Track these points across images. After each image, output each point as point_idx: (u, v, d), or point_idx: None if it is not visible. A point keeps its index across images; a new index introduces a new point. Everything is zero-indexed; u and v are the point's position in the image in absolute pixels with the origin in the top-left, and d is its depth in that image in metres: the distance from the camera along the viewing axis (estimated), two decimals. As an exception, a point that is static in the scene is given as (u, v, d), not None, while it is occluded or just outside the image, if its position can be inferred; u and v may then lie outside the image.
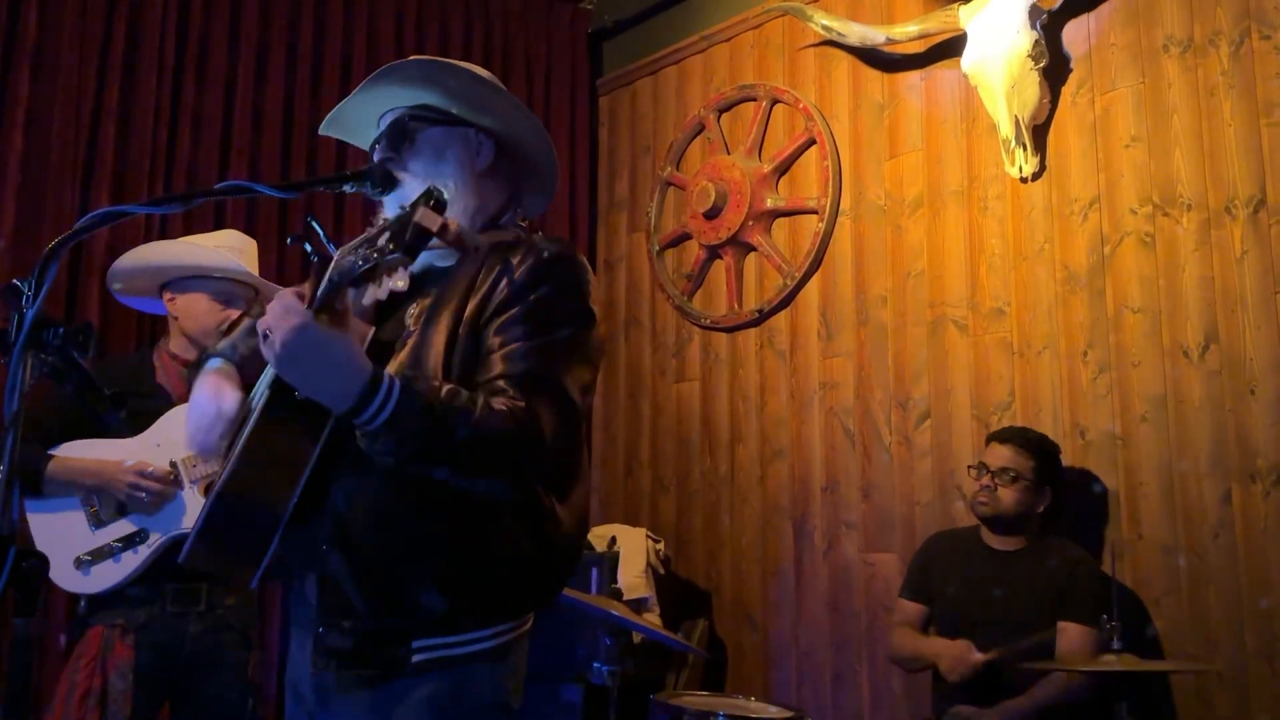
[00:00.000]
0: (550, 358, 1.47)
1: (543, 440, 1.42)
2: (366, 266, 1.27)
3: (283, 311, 1.34)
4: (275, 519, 1.44)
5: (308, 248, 1.32)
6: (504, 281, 1.50)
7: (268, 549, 1.47)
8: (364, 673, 1.48)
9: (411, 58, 1.68)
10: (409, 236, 1.25)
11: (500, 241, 1.56)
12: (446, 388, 1.41)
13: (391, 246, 1.25)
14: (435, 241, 1.28)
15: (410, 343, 1.52)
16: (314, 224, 1.33)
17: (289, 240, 1.36)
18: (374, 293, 1.29)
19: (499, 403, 1.41)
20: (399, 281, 1.26)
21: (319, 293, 1.33)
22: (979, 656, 2.71)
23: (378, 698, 1.48)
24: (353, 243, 1.31)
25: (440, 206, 1.27)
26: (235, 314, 2.60)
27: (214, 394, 1.61)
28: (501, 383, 1.44)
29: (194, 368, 1.75)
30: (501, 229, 1.63)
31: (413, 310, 1.55)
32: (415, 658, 1.47)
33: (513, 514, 1.48)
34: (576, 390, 1.49)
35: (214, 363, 1.69)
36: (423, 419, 1.36)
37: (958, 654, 2.75)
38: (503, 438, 1.40)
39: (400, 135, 1.62)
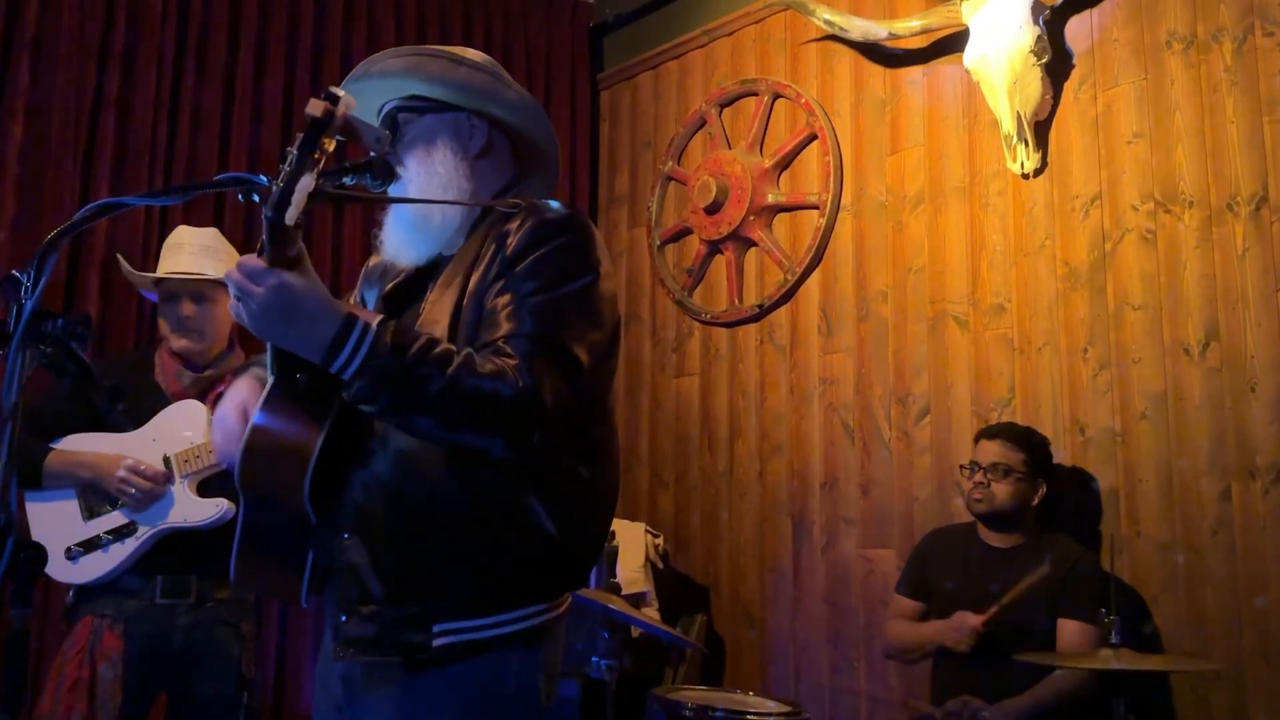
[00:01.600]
0: (552, 316, 1.44)
1: (539, 401, 1.38)
2: (283, 186, 1.25)
3: (244, 273, 1.32)
4: (301, 517, 1.42)
5: (256, 198, 1.31)
6: (504, 246, 1.48)
7: (304, 553, 1.44)
8: (386, 659, 1.46)
9: (395, 49, 1.66)
10: (303, 133, 1.25)
11: (501, 212, 1.54)
12: (425, 338, 1.39)
13: (294, 151, 1.25)
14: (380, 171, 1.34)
15: (419, 323, 1.51)
16: (257, 178, 1.32)
17: (240, 197, 1.35)
18: (295, 211, 1.27)
19: (491, 360, 1.39)
20: (308, 185, 1.26)
21: (264, 240, 1.31)
22: (977, 618, 2.71)
23: (404, 692, 1.46)
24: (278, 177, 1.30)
25: (331, 98, 1.26)
26: (182, 311, 2.60)
27: (238, 407, 1.57)
28: (500, 342, 1.41)
29: (238, 372, 1.72)
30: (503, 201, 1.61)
31: (426, 299, 1.55)
32: (437, 641, 1.44)
33: (532, 488, 1.45)
34: (583, 349, 1.45)
35: (252, 370, 1.67)
36: (395, 365, 1.34)
37: (957, 623, 2.75)
38: (483, 394, 1.36)
39: (392, 129, 1.61)
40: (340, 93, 1.27)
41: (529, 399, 1.38)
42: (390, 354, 1.34)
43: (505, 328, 1.43)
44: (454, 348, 1.41)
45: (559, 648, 1.55)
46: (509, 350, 1.40)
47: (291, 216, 1.27)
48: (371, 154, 1.60)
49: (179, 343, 2.62)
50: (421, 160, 1.58)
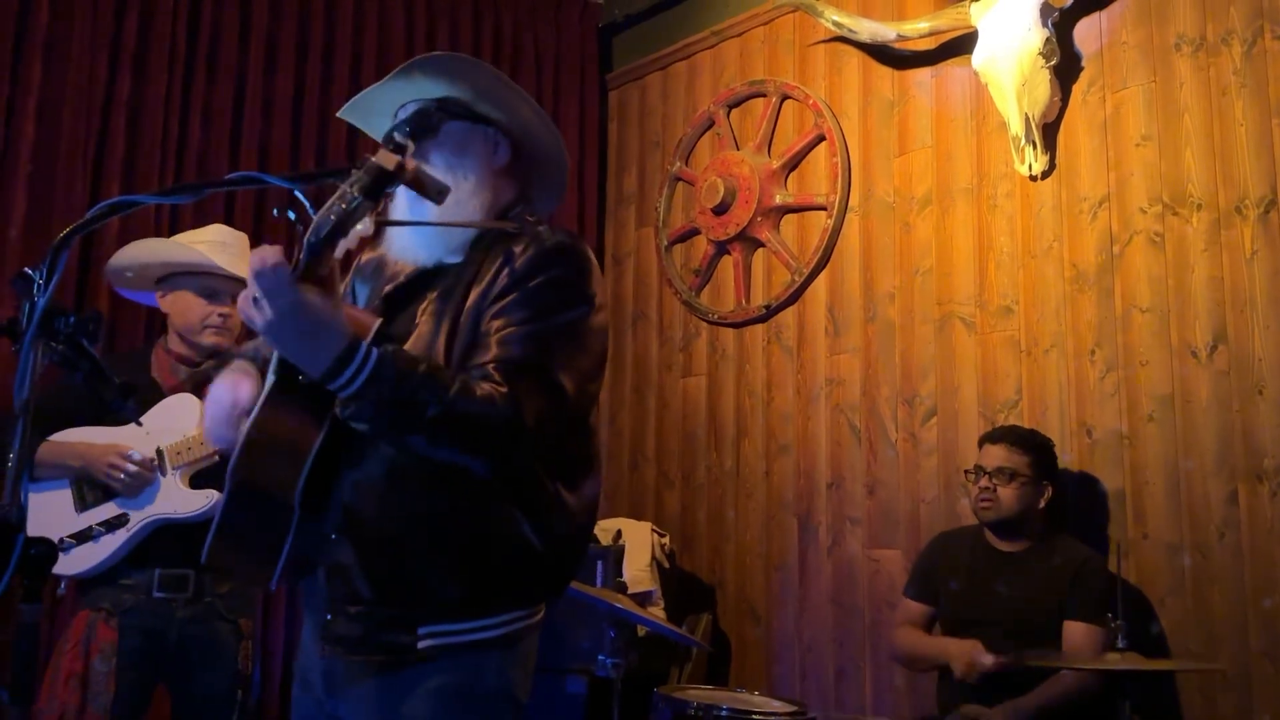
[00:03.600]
0: (543, 344, 1.48)
1: (522, 426, 1.43)
2: (336, 220, 1.28)
3: (270, 280, 1.34)
4: (286, 509, 1.44)
5: (291, 216, 1.33)
6: (505, 270, 1.51)
7: (284, 543, 1.46)
8: (371, 659, 1.50)
9: (440, 53, 1.68)
10: (369, 178, 1.27)
11: (504, 231, 1.56)
12: (426, 364, 1.42)
13: (355, 192, 1.27)
14: (430, 212, 1.33)
15: (415, 335, 1.53)
16: (298, 193, 1.34)
17: (274, 213, 1.37)
18: (346, 244, 1.31)
19: (481, 386, 1.42)
20: (367, 228, 1.30)
21: (301, 259, 1.33)
22: (990, 658, 2.70)
23: (385, 686, 1.49)
24: (328, 202, 1.32)
25: (399, 149, 1.30)
26: (221, 309, 2.62)
27: (231, 388, 1.60)
28: (490, 367, 1.45)
29: (217, 367, 1.75)
30: (507, 220, 1.63)
31: (423, 305, 1.57)
32: (422, 644, 1.48)
33: (515, 501, 1.49)
34: (571, 377, 1.49)
35: (237, 362, 1.70)
36: (395, 390, 1.38)
37: (969, 656, 2.74)
38: (474, 420, 1.41)
39: (424, 126, 1.61)
40: (407, 142, 1.32)
41: (513, 424, 1.42)
42: (391, 381, 1.38)
43: (495, 352, 1.46)
44: (452, 373, 1.44)
45: (534, 648, 1.59)
46: (497, 377, 1.44)
47: (340, 251, 1.32)
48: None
49: (211, 339, 2.62)
50: (450, 164, 1.59)
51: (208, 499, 2.48)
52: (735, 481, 3.98)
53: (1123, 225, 3.08)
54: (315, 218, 1.33)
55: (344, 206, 1.28)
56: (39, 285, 1.31)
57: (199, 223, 3.37)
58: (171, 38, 3.65)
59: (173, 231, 3.42)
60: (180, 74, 3.68)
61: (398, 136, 1.32)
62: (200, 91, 3.72)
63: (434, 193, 1.38)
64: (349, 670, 1.52)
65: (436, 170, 1.57)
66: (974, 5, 3.32)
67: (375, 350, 1.37)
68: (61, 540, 2.44)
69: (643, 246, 4.50)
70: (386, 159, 1.28)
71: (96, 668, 2.42)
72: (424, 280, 1.61)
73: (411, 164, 1.31)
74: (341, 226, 1.28)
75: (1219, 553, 2.78)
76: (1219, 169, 2.91)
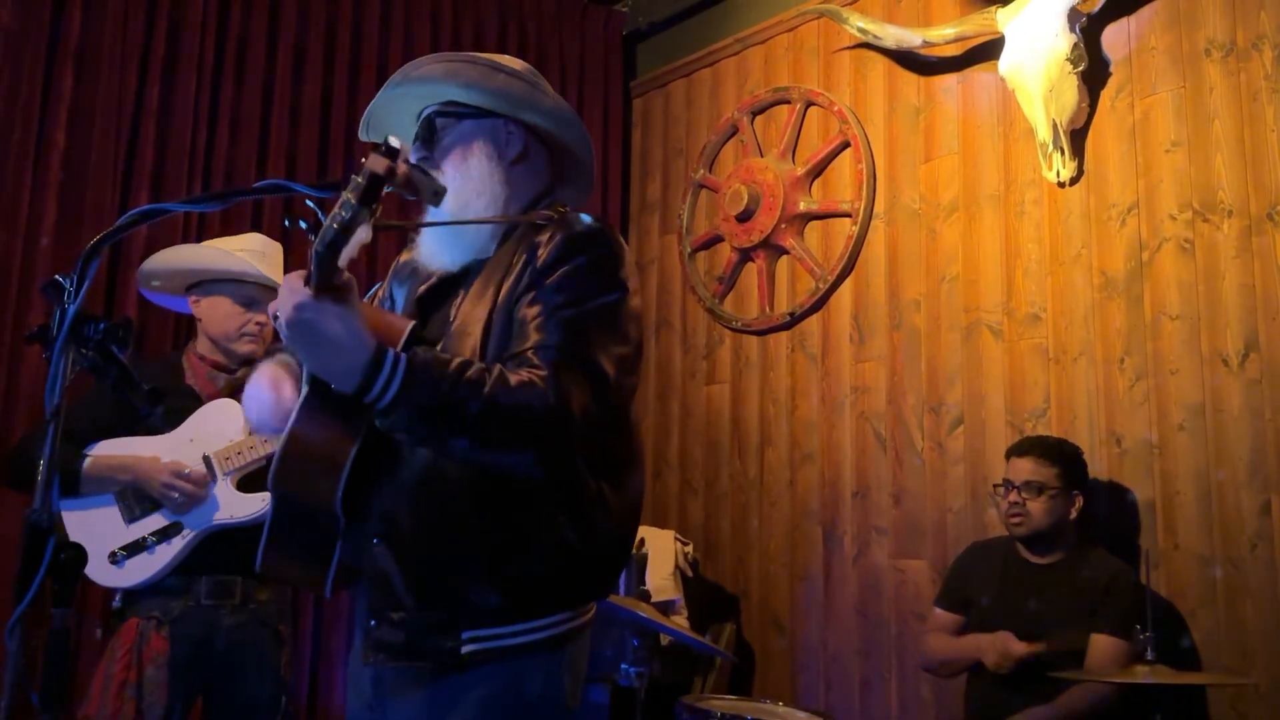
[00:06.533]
0: (578, 329, 1.45)
1: (567, 412, 1.40)
2: (338, 228, 1.27)
3: (288, 293, 1.34)
4: (331, 517, 1.44)
5: (303, 225, 1.32)
6: (535, 259, 1.50)
7: (333, 550, 1.47)
8: (415, 665, 1.49)
9: (430, 55, 1.68)
10: (363, 184, 1.26)
11: (533, 223, 1.55)
12: (457, 361, 1.40)
13: (352, 199, 1.26)
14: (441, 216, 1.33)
15: (450, 334, 1.53)
16: (310, 204, 1.34)
17: (285, 223, 1.36)
18: (349, 252, 1.29)
19: (520, 374, 1.40)
20: (365, 234, 1.28)
21: (312, 271, 1.33)
22: (1022, 646, 2.69)
23: (432, 694, 1.48)
24: (332, 211, 1.31)
25: (390, 152, 1.28)
26: (258, 318, 2.63)
27: (271, 381, 1.60)
28: (528, 354, 1.43)
29: (261, 360, 1.75)
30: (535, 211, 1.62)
31: (457, 304, 1.56)
32: (465, 649, 1.46)
33: (556, 501, 1.47)
34: (609, 363, 1.46)
35: (275, 357, 1.69)
36: (431, 394, 1.35)
37: (1000, 646, 2.73)
38: (518, 408, 1.38)
39: (429, 133, 1.63)
40: (398, 144, 1.29)
41: (558, 410, 1.39)
42: (426, 386, 1.35)
43: (533, 339, 1.44)
44: (485, 366, 1.42)
45: (584, 652, 1.57)
46: (536, 361, 1.42)
47: (344, 260, 1.30)
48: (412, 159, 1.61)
49: (247, 346, 2.63)
50: (458, 165, 1.60)
51: (263, 501, 2.47)
52: (759, 490, 3.96)
53: (1152, 232, 3.05)
54: (324, 224, 1.32)
55: (344, 215, 1.26)
56: (69, 292, 1.33)
57: (226, 230, 3.40)
58: (200, 47, 3.69)
59: (200, 239, 3.45)
60: (209, 83, 3.72)
61: (393, 141, 1.29)
62: (228, 100, 3.75)
63: (428, 194, 1.37)
64: (396, 676, 1.52)
65: (445, 174, 1.58)
66: (1000, 11, 3.30)
67: (404, 357, 1.35)
68: (114, 553, 2.45)
69: (666, 254, 4.50)
70: (377, 163, 1.27)
71: (150, 676, 2.43)
72: (457, 279, 1.60)
73: (403, 167, 1.30)
74: (342, 235, 1.27)
75: (1251, 564, 2.74)
76: (1250, 175, 2.87)
